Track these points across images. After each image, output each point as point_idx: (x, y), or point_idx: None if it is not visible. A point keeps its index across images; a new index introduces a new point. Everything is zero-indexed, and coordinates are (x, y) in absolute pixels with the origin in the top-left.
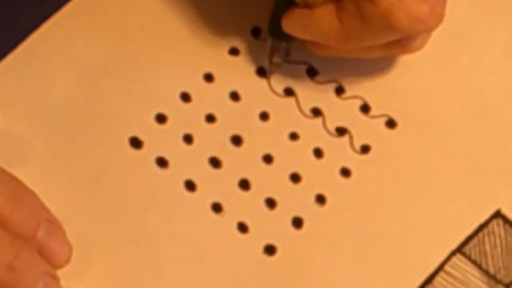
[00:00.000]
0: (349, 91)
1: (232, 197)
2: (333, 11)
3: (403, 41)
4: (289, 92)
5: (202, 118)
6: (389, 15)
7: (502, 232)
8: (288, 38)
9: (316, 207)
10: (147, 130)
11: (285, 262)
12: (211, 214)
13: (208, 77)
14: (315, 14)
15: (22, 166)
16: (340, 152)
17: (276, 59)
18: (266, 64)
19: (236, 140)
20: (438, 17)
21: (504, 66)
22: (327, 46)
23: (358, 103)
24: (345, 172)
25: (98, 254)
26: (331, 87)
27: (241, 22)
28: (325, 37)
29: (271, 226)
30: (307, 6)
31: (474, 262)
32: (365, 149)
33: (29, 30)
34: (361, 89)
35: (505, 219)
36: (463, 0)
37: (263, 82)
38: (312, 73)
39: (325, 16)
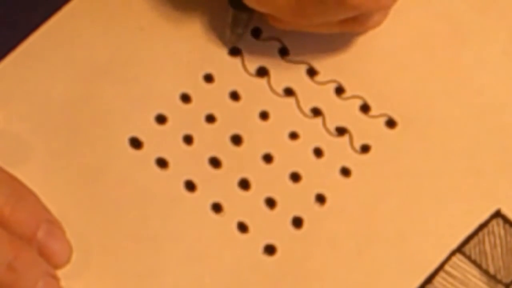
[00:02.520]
0: (349, 91)
1: (232, 197)
2: None
3: (359, 18)
4: (289, 92)
5: (202, 118)
6: None
7: (502, 232)
8: (248, 9)
9: (316, 206)
10: (147, 131)
11: (285, 262)
12: (211, 214)
13: (208, 78)
14: None
15: (22, 166)
16: (340, 151)
17: (238, 30)
18: (227, 35)
19: (236, 140)
20: None
21: (504, 66)
22: (286, 20)
23: (358, 102)
24: (345, 172)
25: (98, 254)
26: (331, 87)
27: None
28: (281, 12)
29: (271, 226)
30: None
31: (474, 262)
32: (365, 148)
33: (29, 30)
34: (361, 89)
35: (505, 219)
36: (463, 0)
37: (263, 82)
38: (312, 73)
39: None
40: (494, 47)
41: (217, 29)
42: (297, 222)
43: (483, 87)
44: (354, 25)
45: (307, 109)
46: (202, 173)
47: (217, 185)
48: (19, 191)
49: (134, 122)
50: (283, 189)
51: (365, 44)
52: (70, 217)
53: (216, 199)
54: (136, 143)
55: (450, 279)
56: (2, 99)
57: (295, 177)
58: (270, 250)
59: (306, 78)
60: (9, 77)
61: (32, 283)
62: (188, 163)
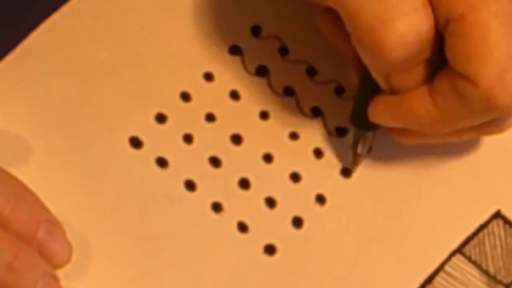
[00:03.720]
0: (349, 90)
1: (232, 197)
2: (426, 95)
3: (497, 120)
4: (289, 91)
5: (202, 117)
6: (490, 95)
7: (502, 232)
8: (374, 127)
9: (316, 207)
10: (147, 130)
11: (285, 262)
12: (211, 213)
13: (208, 76)
14: (406, 100)
15: (22, 166)
16: (340, 151)
17: (361, 150)
18: (350, 156)
19: (236, 140)
20: None
21: None
22: (416, 134)
23: None
24: (345, 172)
25: (98, 254)
26: (331, 86)
27: (241, 21)
28: (419, 123)
29: (271, 226)
30: (395, 92)
31: (474, 262)
32: None
33: (29, 30)
34: None
35: (505, 220)
36: None
37: (263, 81)
38: (312, 72)
39: (417, 100)
40: None
41: (217, 27)
42: (297, 222)
43: None
44: (491, 127)
45: (307, 109)
46: (202, 173)
47: (217, 185)
48: (19, 191)
49: (134, 121)
50: (283, 189)
51: None
52: (70, 217)
53: (216, 198)
54: (136, 143)
55: (450, 280)
56: (2, 99)
57: (295, 177)
58: (270, 250)
59: (306, 77)
60: (9, 77)
61: (31, 283)
62: (188, 162)
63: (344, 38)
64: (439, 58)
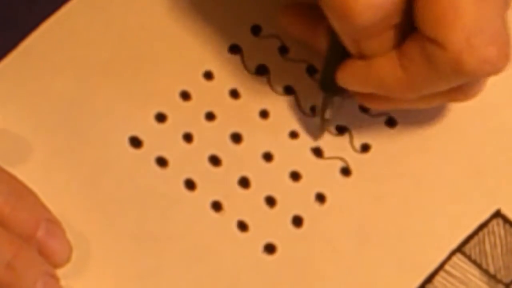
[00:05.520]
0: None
1: (232, 196)
2: (395, 59)
3: (464, 86)
4: (289, 90)
5: (202, 116)
6: (458, 59)
7: (502, 232)
8: (341, 92)
9: (316, 206)
10: (147, 129)
11: (285, 261)
12: (211, 212)
13: (208, 75)
14: (374, 64)
15: (22, 165)
16: (340, 150)
17: (328, 115)
18: (317, 120)
19: (236, 138)
20: (506, 58)
21: None
22: (384, 99)
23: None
24: (345, 171)
25: (98, 253)
26: None
27: (241, 20)
28: (387, 87)
29: (271, 225)
30: (364, 56)
31: (474, 261)
32: (365, 147)
33: (29, 30)
34: None
35: (505, 219)
36: None
37: (262, 80)
38: (311, 71)
39: (386, 65)
40: None
41: (217, 26)
42: (297, 221)
43: None
44: (457, 95)
45: (307, 108)
46: (202, 172)
47: (217, 184)
48: (19, 190)
49: (134, 121)
50: (283, 188)
51: None
52: (70, 216)
53: (216, 197)
54: (136, 142)
55: (450, 279)
56: (2, 99)
57: (295, 175)
58: (270, 249)
59: (306, 76)
60: (9, 77)
61: (31, 283)
62: (188, 161)
63: (311, 30)
64: (409, 23)
